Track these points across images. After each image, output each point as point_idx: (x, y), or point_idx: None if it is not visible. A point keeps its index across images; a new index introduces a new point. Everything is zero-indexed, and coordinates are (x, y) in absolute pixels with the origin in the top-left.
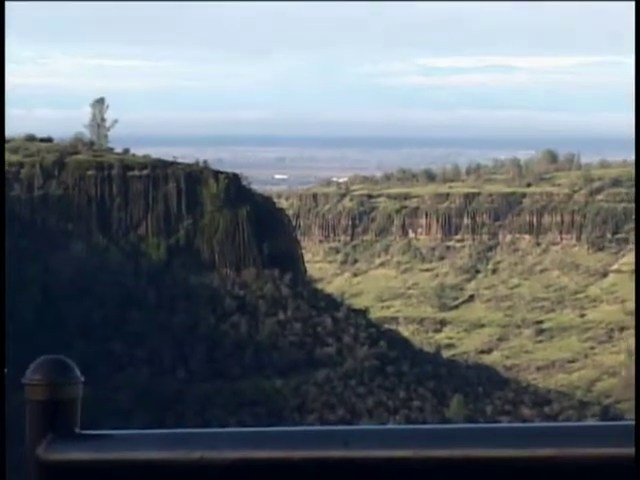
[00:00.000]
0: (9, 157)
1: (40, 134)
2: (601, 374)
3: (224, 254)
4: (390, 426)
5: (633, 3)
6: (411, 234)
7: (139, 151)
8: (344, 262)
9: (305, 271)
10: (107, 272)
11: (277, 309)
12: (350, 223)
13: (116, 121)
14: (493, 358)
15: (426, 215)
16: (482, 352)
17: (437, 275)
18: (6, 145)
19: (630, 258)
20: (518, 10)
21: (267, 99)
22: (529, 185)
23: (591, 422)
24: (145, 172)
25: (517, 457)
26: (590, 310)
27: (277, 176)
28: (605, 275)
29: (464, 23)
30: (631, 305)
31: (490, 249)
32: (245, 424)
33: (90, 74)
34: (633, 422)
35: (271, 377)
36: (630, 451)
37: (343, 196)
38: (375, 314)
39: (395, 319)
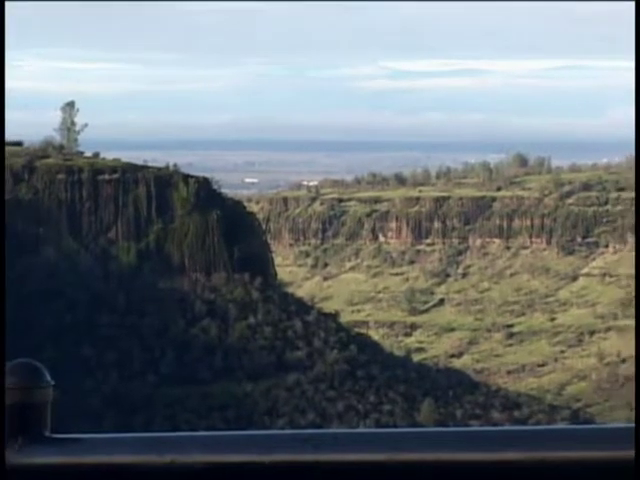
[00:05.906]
0: None
1: (10, 138)
2: (571, 378)
3: (194, 258)
4: (360, 430)
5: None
6: (381, 238)
7: (109, 155)
8: (314, 266)
9: (275, 275)
10: (77, 276)
11: (247, 313)
12: (320, 227)
13: (86, 125)
14: (463, 362)
15: (396, 219)
16: (452, 356)
17: (407, 279)
18: None
19: (600, 262)
20: (487, 13)
21: (236, 103)
22: (499, 189)
23: (561, 425)
24: (115, 176)
25: (487, 460)
26: (560, 314)
27: (247, 180)
28: (575, 279)
29: (432, 26)
30: (601, 309)
31: (460, 253)
32: (215, 428)
33: (60, 77)
34: (601, 425)
35: (241, 381)
36: (600, 454)
37: (313, 200)
38: (345, 318)
39: (365, 323)
